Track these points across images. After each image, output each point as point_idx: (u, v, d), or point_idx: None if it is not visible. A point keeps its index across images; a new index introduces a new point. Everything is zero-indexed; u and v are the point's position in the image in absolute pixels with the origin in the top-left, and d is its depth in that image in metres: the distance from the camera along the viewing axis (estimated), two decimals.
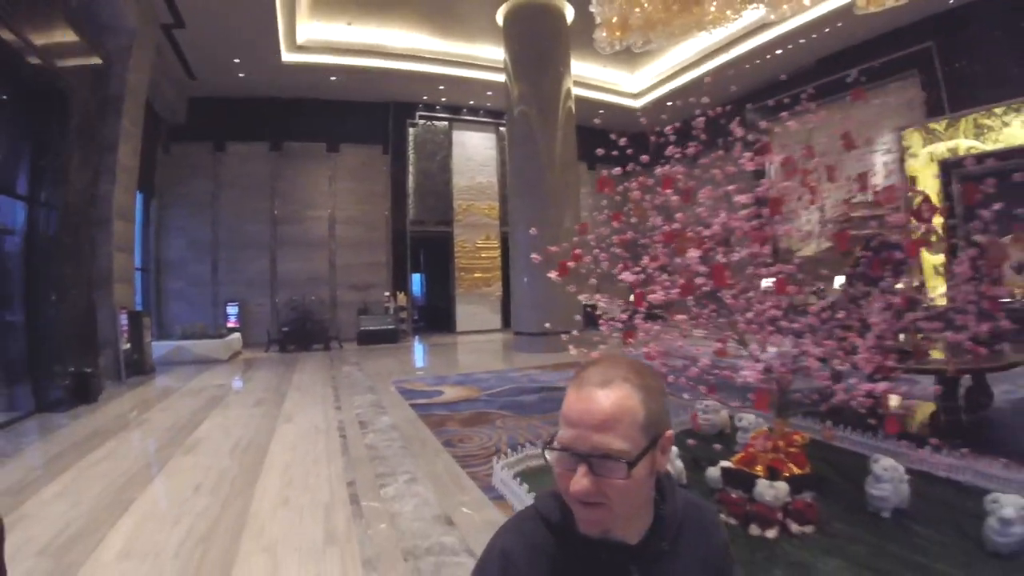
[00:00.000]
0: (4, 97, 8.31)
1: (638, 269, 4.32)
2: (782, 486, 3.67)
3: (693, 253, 4.03)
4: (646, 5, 9.07)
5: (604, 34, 10.23)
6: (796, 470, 4.01)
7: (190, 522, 4.22)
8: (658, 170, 4.52)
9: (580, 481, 0.94)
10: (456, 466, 5.34)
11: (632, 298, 4.26)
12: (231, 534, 4.00)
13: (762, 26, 15.25)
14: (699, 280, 3.98)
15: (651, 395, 1.00)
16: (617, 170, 4.91)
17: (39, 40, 8.19)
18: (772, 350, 4.21)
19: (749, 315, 4.06)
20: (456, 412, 7.67)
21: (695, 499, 1.22)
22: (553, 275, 4.37)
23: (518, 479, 4.42)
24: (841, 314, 4.15)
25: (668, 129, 4.76)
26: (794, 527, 3.58)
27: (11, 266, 8.62)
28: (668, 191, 4.34)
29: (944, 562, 3.19)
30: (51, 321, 8.71)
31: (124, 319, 11.15)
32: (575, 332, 4.94)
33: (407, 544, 3.72)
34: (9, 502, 4.62)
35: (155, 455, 6.05)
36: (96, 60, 10.15)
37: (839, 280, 5.54)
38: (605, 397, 0.96)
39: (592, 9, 10.49)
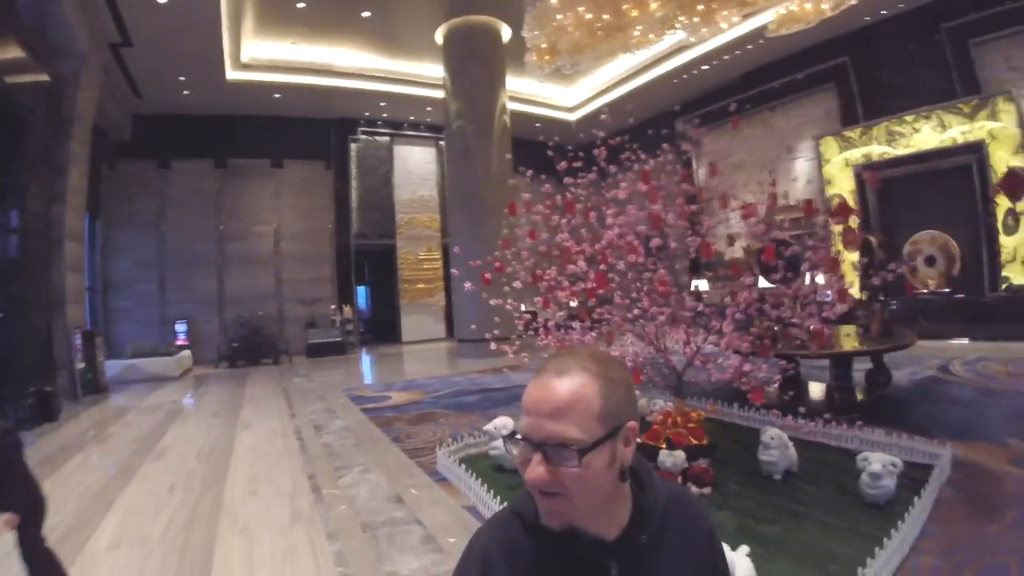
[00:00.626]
0: None
1: (548, 276, 5.10)
2: (679, 454, 4.52)
3: (581, 264, 4.87)
4: (573, 31, 9.82)
5: (535, 57, 10.96)
6: (694, 441, 4.87)
7: (170, 514, 4.81)
8: (557, 198, 5.31)
9: (535, 469, 0.95)
10: (404, 457, 6.05)
11: (540, 301, 5.06)
12: (208, 521, 4.61)
13: (687, 45, 16.15)
14: (588, 285, 4.82)
15: (611, 385, 0.99)
16: (547, 187, 5.63)
17: None
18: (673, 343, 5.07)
19: (635, 312, 4.87)
20: (403, 413, 8.36)
21: (679, 490, 1.22)
22: (468, 285, 5.21)
23: (459, 463, 5.12)
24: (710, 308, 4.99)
25: (597, 151, 5.51)
26: (694, 489, 4.37)
27: None
28: (571, 212, 5.10)
29: (820, 511, 4.03)
30: (14, 342, 9.05)
31: (78, 339, 11.43)
32: (513, 338, 5.65)
33: (364, 519, 4.41)
34: None
35: (127, 463, 6.55)
36: (49, 83, 10.46)
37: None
38: (560, 385, 0.96)
39: (524, 34, 11.24)
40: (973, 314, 12.09)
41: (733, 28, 13.44)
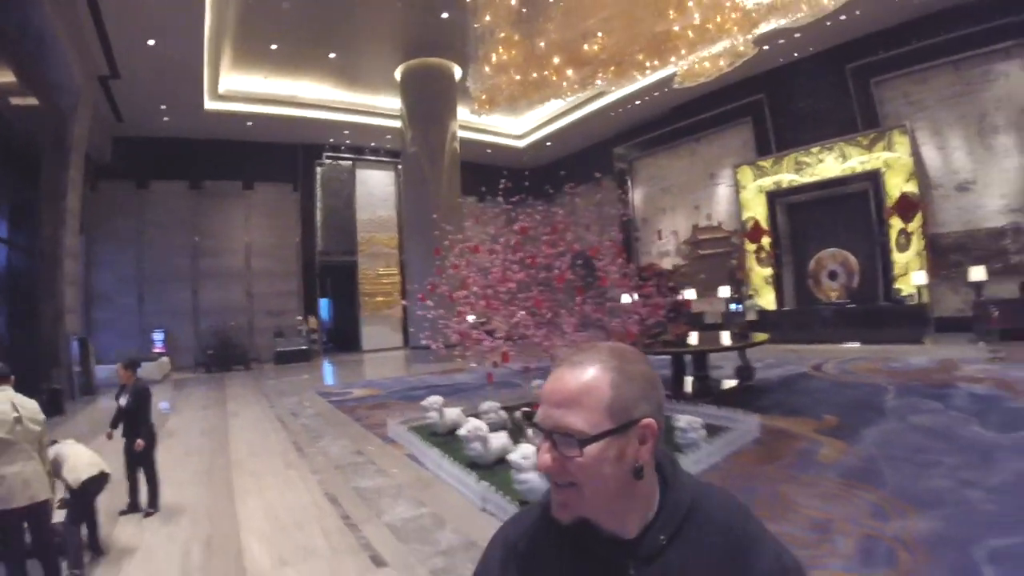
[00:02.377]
0: None
1: (458, 297, 7.09)
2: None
3: (475, 289, 6.89)
4: (506, 89, 11.61)
5: (477, 107, 12.73)
6: None
7: (192, 467, 6.59)
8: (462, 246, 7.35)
9: (542, 456, 0.95)
10: (364, 430, 7.97)
11: (457, 313, 7.00)
12: (223, 470, 6.42)
13: None
14: (481, 303, 6.83)
15: (625, 378, 0.97)
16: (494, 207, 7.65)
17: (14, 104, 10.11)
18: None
19: (515, 320, 6.82)
20: (363, 403, 10.25)
21: (708, 487, 1.12)
22: (394, 308, 7.48)
23: (407, 429, 7.00)
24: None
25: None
26: None
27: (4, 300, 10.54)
28: (478, 253, 7.05)
29: None
30: (27, 346, 10.64)
31: (75, 345, 12.95)
32: (452, 344, 7.55)
33: (336, 463, 6.33)
34: None
35: None
36: (55, 119, 12.01)
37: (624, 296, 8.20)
38: (571, 376, 0.96)
39: (468, 84, 13.05)
40: (864, 321, 13.97)
41: (647, 78, 15.02)
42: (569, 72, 10.65)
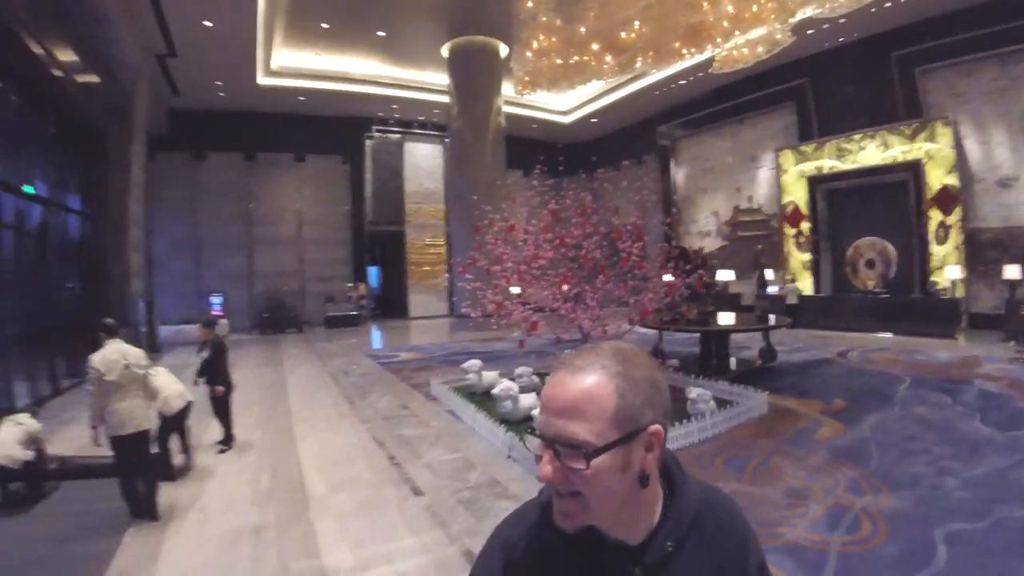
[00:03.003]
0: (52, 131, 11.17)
1: (497, 269, 7.76)
2: None
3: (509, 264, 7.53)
4: (547, 71, 12.11)
5: (519, 87, 13.26)
6: None
7: (255, 414, 7.51)
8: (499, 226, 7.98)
9: (544, 467, 0.91)
10: (409, 388, 8.81)
11: (492, 285, 7.69)
12: (283, 416, 7.32)
13: None
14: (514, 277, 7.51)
15: (630, 384, 0.93)
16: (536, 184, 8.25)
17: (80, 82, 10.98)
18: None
19: (545, 294, 7.45)
20: (408, 366, 11.09)
21: (714, 493, 1.12)
22: (440, 277, 8.30)
23: (447, 388, 7.75)
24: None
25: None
26: None
27: (78, 265, 11.64)
28: (513, 231, 7.69)
29: None
30: (99, 306, 11.67)
31: (141, 306, 14.01)
32: (488, 314, 8.28)
33: (383, 415, 7.15)
34: None
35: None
36: (118, 97, 12.95)
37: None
38: (573, 383, 0.92)
39: (511, 65, 13.56)
40: (896, 313, 13.83)
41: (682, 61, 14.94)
42: (608, 58, 11.06)
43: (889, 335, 13.36)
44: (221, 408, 6.22)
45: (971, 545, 3.72)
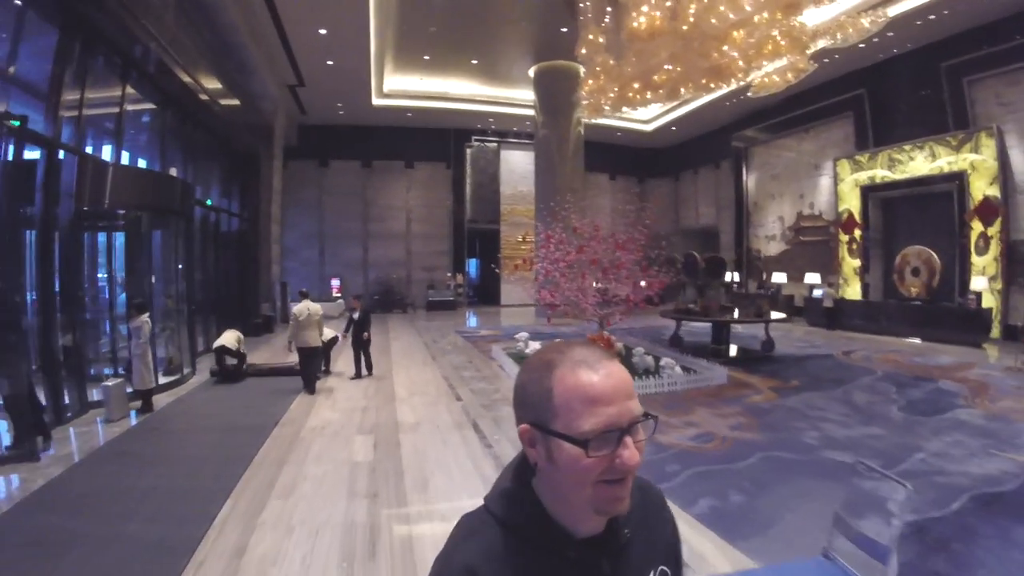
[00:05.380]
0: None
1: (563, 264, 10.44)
2: None
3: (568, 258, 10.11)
4: (606, 102, 14.17)
5: (586, 113, 15.36)
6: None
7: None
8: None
9: (631, 454, 0.88)
10: (477, 352, 11.96)
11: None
12: (387, 362, 10.59)
13: None
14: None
15: None
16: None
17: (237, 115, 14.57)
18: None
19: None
20: (484, 339, 14.12)
21: (644, 480, 1.12)
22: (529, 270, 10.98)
23: (502, 351, 10.64)
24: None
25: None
26: None
27: (234, 254, 15.25)
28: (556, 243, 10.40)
29: None
30: (249, 285, 15.32)
31: (278, 287, 17.61)
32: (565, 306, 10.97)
33: (454, 365, 10.42)
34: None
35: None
36: (264, 125, 16.58)
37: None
38: (617, 368, 0.92)
39: (581, 93, 15.88)
40: (927, 320, 14.27)
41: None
42: (648, 94, 13.22)
43: (917, 341, 13.70)
44: (365, 351, 9.53)
45: (780, 464, 5.29)
